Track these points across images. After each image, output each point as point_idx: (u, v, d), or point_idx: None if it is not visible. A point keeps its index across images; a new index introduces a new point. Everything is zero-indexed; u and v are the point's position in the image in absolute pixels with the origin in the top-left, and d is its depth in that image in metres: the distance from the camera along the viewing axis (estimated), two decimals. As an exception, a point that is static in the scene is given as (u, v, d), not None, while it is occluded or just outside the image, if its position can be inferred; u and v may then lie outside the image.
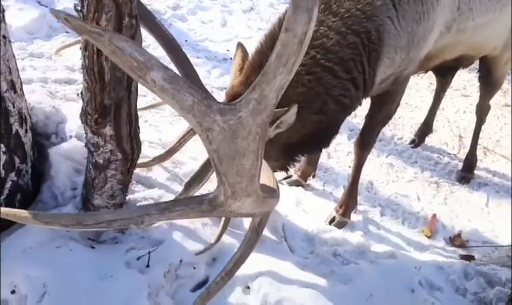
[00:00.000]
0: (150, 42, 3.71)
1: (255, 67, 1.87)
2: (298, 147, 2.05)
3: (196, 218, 1.39)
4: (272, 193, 1.43)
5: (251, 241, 1.44)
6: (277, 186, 1.51)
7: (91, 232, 2.00)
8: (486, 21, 2.43)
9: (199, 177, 1.87)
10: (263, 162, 1.52)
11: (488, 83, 3.20)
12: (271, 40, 1.87)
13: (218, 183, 1.23)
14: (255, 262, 2.09)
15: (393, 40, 1.98)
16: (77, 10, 1.54)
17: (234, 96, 1.86)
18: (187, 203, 1.27)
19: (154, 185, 2.34)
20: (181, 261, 1.98)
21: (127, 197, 2.11)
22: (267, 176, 1.49)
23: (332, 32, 1.87)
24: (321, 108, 1.95)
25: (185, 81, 1.07)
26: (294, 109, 1.67)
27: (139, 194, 2.24)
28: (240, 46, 2.11)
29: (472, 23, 2.35)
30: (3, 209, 1.18)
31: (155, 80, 1.02)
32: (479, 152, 3.60)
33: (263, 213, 1.42)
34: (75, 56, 3.15)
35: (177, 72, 1.87)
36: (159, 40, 1.85)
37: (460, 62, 2.90)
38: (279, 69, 1.08)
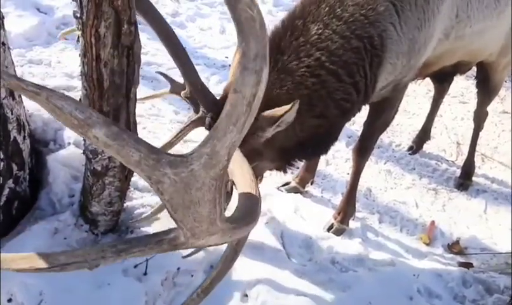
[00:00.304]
0: (149, 50, 3.73)
1: None
2: (295, 151, 2.04)
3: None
4: (246, 219, 1.36)
5: (229, 259, 1.41)
6: (259, 199, 1.44)
7: (88, 240, 2.00)
8: (483, 27, 2.45)
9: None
10: (248, 168, 1.51)
11: (486, 89, 3.21)
12: (273, 41, 1.88)
13: (177, 226, 1.21)
14: (253, 269, 2.09)
15: (395, 46, 2.00)
16: (76, 17, 1.54)
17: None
18: (146, 242, 1.22)
19: (152, 192, 2.33)
20: (178, 269, 1.98)
21: (125, 204, 2.11)
22: (249, 185, 1.46)
23: (336, 35, 1.88)
24: (322, 112, 1.94)
25: (130, 136, 1.04)
26: (296, 106, 1.65)
27: (137, 201, 2.23)
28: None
29: (470, 30, 2.37)
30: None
31: (98, 137, 1.00)
32: (477, 159, 3.60)
33: (237, 240, 1.40)
34: (74, 63, 3.15)
35: (175, 64, 1.87)
36: (157, 31, 1.84)
37: (458, 68, 2.92)
38: (229, 127, 1.07)
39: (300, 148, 2.02)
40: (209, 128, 1.87)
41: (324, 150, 2.18)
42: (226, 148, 1.10)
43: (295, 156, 2.09)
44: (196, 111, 1.95)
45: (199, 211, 1.15)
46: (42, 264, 1.17)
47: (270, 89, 1.82)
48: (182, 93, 1.96)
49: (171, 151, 2.11)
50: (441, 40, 2.27)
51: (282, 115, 1.69)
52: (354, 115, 2.15)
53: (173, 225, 2.06)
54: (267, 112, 1.73)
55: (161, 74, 2.14)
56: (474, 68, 3.15)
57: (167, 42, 1.83)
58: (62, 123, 1.03)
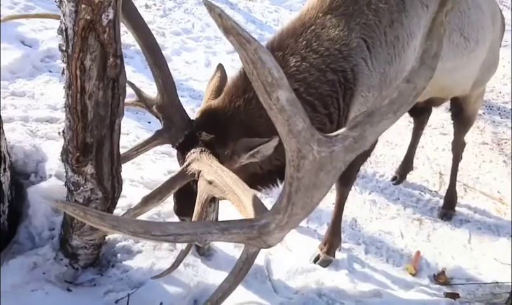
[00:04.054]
0: (134, 82, 3.75)
1: (239, 89, 1.90)
2: (266, 178, 2.04)
3: (239, 243, 1.33)
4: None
5: (242, 272, 1.39)
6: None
7: (68, 274, 1.94)
8: (454, 66, 2.54)
9: (160, 194, 1.74)
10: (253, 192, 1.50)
11: (461, 121, 3.31)
12: None
13: (277, 210, 1.22)
14: (238, 302, 2.04)
15: (366, 79, 2.06)
16: (61, 50, 1.55)
17: (208, 114, 1.88)
18: (242, 225, 1.25)
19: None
20: (161, 304, 1.92)
21: (106, 237, 2.06)
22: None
23: (313, 68, 1.94)
24: None
25: (302, 106, 1.09)
26: (275, 141, 1.67)
27: (119, 234, 2.19)
28: (220, 67, 2.15)
29: (442, 67, 2.46)
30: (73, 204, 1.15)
31: (280, 99, 1.04)
32: (460, 190, 3.66)
33: (268, 247, 1.41)
34: (57, 95, 3.14)
35: (154, 75, 1.85)
36: (141, 41, 1.84)
37: (432, 103, 3.01)
38: (388, 114, 1.11)
39: (271, 176, 2.03)
40: (179, 146, 1.85)
41: None
42: (375, 134, 1.13)
43: (264, 183, 2.08)
44: (166, 127, 1.91)
45: (314, 196, 1.18)
46: (156, 231, 1.17)
47: (252, 116, 1.84)
48: (155, 105, 1.91)
49: (128, 164, 2.09)
50: None
51: (257, 145, 1.70)
52: None
53: (156, 259, 2.02)
54: (247, 140, 1.74)
55: (130, 83, 2.06)
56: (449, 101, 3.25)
57: (150, 53, 1.84)
58: (251, 77, 1.04)
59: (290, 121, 1.07)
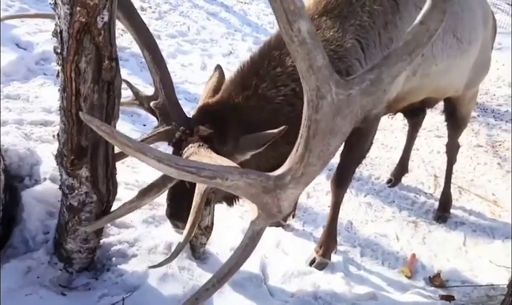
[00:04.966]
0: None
1: (237, 86, 1.92)
2: None
3: (253, 195, 1.30)
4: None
5: (248, 249, 1.38)
6: None
7: (62, 278, 1.92)
8: (448, 66, 2.56)
9: (156, 188, 1.73)
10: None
11: (455, 122, 3.33)
12: (252, 68, 1.95)
13: (294, 160, 1.22)
14: (234, 306, 2.04)
15: None
16: (56, 53, 1.54)
17: (206, 111, 1.89)
18: (259, 174, 1.25)
19: (129, 227, 2.28)
20: (157, 308, 1.91)
21: (101, 241, 2.05)
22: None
23: None
24: (295, 140, 1.98)
25: (321, 44, 1.09)
26: (282, 130, 1.69)
27: (114, 237, 2.18)
28: (218, 68, 2.16)
29: (436, 68, 2.48)
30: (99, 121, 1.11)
31: (301, 30, 1.03)
32: (455, 192, 3.67)
33: (276, 221, 1.40)
34: (52, 98, 3.13)
35: (152, 72, 1.85)
36: (140, 39, 1.83)
37: (426, 104, 3.03)
38: (403, 56, 1.13)
39: None
40: (176, 142, 1.84)
41: None
42: (391, 77, 1.13)
43: None
44: (163, 123, 1.89)
45: (330, 144, 1.18)
46: (180, 161, 1.17)
47: (251, 114, 1.85)
48: (152, 103, 1.90)
49: (123, 167, 2.04)
50: (408, 77, 2.36)
51: (268, 139, 1.71)
52: None
53: (151, 263, 2.00)
54: (251, 136, 1.75)
55: (125, 82, 2.06)
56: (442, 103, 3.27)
57: (149, 50, 1.83)
58: (274, 5, 1.03)
59: (311, 56, 1.07)
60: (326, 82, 1.10)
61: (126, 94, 1.87)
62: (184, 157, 1.71)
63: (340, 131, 1.17)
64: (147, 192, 1.70)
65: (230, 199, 2.18)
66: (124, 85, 1.74)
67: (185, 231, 1.67)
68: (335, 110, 1.13)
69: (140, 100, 1.99)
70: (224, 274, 1.37)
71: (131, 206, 1.70)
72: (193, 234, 1.79)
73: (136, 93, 2.00)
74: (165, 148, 2.01)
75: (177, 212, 1.98)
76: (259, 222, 1.35)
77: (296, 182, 1.25)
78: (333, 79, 1.11)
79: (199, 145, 1.73)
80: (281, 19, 1.05)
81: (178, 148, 1.82)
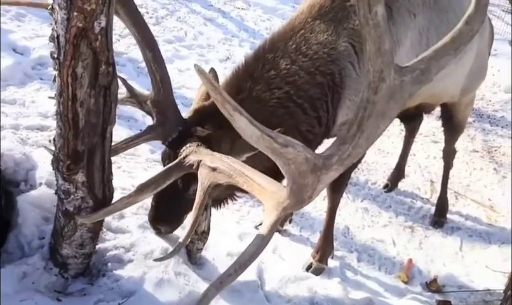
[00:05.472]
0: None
1: (232, 89, 1.93)
2: None
3: (300, 173, 1.30)
4: None
5: (267, 237, 1.38)
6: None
7: (58, 284, 1.91)
8: (442, 72, 2.56)
9: (155, 184, 1.71)
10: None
11: (451, 128, 3.35)
12: (247, 70, 1.98)
13: (344, 141, 1.25)
14: (231, 312, 2.03)
15: (354, 83, 2.09)
16: (53, 57, 1.54)
17: (202, 113, 1.90)
18: (312, 152, 1.29)
19: (125, 232, 2.27)
20: (153, 313, 1.90)
21: (97, 246, 2.04)
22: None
23: (303, 71, 1.99)
24: None
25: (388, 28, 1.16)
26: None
27: (110, 243, 2.16)
28: (212, 71, 2.18)
29: None
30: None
31: (378, 14, 1.11)
32: (451, 197, 3.68)
33: (295, 210, 1.41)
34: (49, 103, 3.13)
35: (151, 71, 1.86)
36: (141, 38, 1.83)
37: (422, 109, 3.04)
38: (449, 51, 1.23)
39: None
40: (172, 142, 1.84)
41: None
42: (438, 69, 1.23)
43: None
44: (159, 122, 1.89)
45: (379, 126, 1.24)
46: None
47: None
48: (148, 100, 1.90)
49: (120, 172, 2.01)
50: None
51: None
52: (316, 147, 2.22)
53: (147, 268, 1.99)
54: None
55: (121, 79, 2.05)
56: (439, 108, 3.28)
57: (149, 48, 1.84)
58: None
59: (381, 39, 1.14)
60: (388, 66, 1.17)
61: (120, 92, 1.87)
62: (183, 155, 1.73)
63: (389, 115, 1.24)
64: (145, 188, 1.70)
65: (219, 202, 2.20)
66: (120, 83, 1.75)
67: (188, 227, 1.67)
68: (390, 94, 1.20)
69: (135, 97, 1.99)
70: (245, 260, 1.38)
71: (129, 200, 1.70)
72: (193, 231, 1.79)
73: (131, 90, 2.00)
74: (160, 147, 2.02)
75: (161, 216, 1.99)
76: (285, 209, 1.36)
77: (340, 163, 1.29)
78: (393, 65, 1.19)
79: (198, 145, 1.75)
80: (363, 1, 1.12)
81: (175, 147, 1.82)
